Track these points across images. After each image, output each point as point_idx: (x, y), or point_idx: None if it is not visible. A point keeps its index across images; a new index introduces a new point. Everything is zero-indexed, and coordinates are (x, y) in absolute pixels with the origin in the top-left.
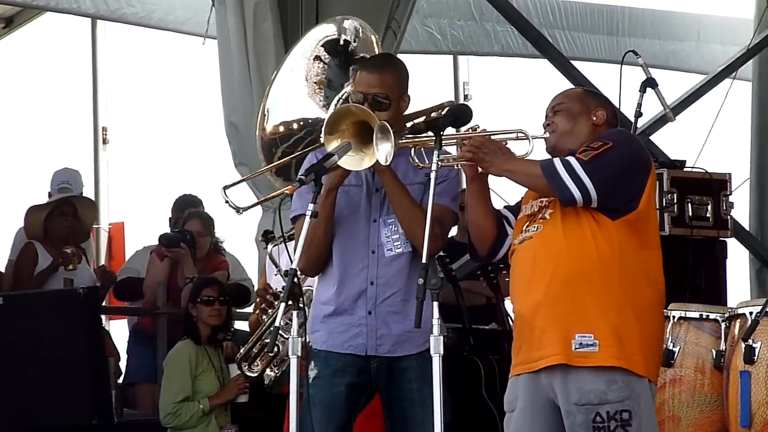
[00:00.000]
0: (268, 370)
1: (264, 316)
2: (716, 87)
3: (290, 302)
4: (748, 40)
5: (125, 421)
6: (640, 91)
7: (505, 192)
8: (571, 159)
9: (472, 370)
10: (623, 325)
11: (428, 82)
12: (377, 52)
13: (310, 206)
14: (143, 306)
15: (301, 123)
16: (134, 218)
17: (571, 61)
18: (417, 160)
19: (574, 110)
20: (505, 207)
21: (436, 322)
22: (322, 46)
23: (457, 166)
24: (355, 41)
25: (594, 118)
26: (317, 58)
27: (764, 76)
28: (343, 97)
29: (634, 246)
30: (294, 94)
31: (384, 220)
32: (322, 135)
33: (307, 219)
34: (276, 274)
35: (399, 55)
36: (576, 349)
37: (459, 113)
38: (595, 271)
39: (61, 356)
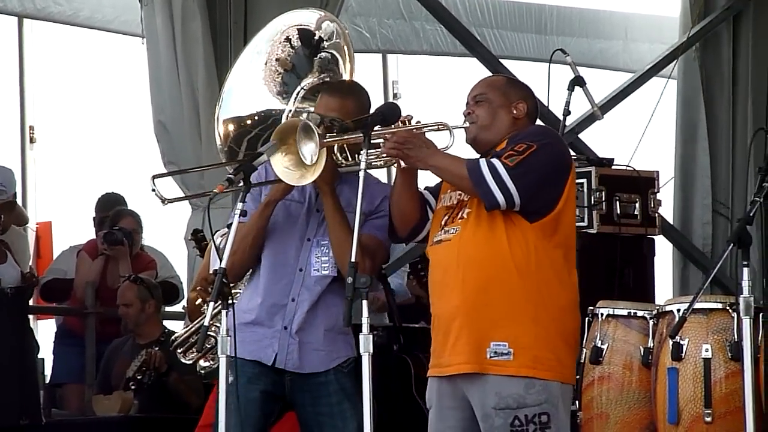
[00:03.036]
0: (202, 361)
1: (205, 306)
2: (645, 85)
3: (219, 301)
4: (675, 39)
5: (53, 422)
6: (568, 89)
7: None
8: (497, 163)
9: (402, 368)
10: (539, 332)
11: (358, 80)
12: (348, 57)
13: (239, 205)
14: (71, 305)
15: (256, 118)
16: (62, 217)
17: (500, 60)
18: (340, 158)
19: (496, 102)
20: (426, 188)
21: (365, 320)
22: (297, 30)
23: (383, 162)
24: (327, 43)
25: (515, 111)
26: (287, 39)
27: (689, 75)
28: (300, 95)
29: (549, 248)
30: (250, 77)
31: (317, 241)
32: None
33: (236, 219)
34: None
35: None
36: (491, 357)
37: (388, 112)
38: (511, 277)
39: None
